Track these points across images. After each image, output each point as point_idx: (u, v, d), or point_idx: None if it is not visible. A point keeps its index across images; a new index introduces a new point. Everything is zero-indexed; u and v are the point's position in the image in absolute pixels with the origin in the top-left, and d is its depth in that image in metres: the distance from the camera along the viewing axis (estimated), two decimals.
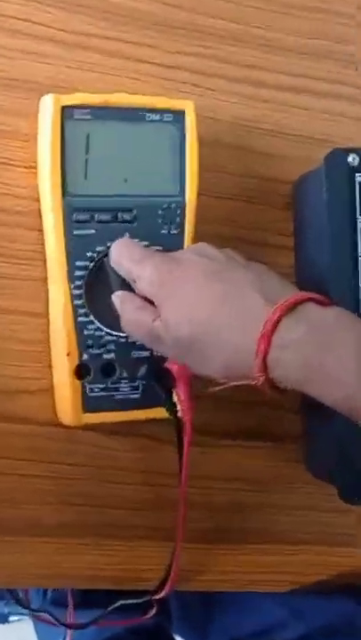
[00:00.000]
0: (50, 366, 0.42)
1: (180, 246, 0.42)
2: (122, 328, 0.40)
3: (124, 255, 0.40)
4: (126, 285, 0.40)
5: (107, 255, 0.41)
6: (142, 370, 0.42)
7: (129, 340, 0.41)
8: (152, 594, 0.42)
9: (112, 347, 0.41)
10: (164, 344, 0.38)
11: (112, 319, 0.41)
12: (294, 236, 0.48)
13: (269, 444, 0.46)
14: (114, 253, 0.40)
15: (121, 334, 0.41)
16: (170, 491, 0.41)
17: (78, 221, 0.40)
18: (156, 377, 0.41)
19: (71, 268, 0.40)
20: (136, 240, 0.41)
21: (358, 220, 0.43)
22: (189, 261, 0.38)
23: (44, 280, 0.41)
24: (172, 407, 0.41)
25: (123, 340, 0.41)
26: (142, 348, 0.41)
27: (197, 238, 0.42)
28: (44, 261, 0.41)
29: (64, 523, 0.41)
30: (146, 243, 0.41)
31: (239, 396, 0.42)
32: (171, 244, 0.42)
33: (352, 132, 0.49)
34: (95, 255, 0.40)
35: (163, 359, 0.40)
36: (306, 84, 0.49)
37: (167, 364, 0.40)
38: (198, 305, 0.36)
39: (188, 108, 0.42)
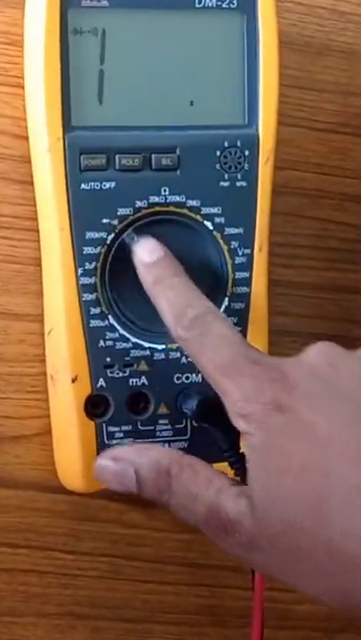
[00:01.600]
0: (47, 399, 0.27)
1: (251, 207, 0.27)
2: (169, 506, 0.23)
3: (182, 327, 0.23)
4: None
5: (135, 224, 0.26)
6: (192, 403, 0.26)
7: (171, 357, 0.26)
8: None
9: (144, 366, 0.27)
10: (250, 545, 0.21)
11: (144, 321, 0.26)
12: None
13: None
14: (163, 309, 0.24)
15: (158, 346, 0.26)
16: (236, 594, 0.25)
17: (89, 169, 0.26)
18: (213, 414, 0.26)
19: (78, 244, 0.26)
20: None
21: None
22: (318, 386, 0.21)
23: (37, 263, 0.27)
24: (238, 463, 0.25)
25: (161, 356, 0.26)
26: (191, 369, 0.26)
27: (278, 195, 0.26)
28: (37, 234, 0.27)
29: None
30: (196, 202, 0.26)
31: None
32: (235, 205, 0.27)
33: None
34: (116, 223, 0.26)
35: None
36: None
37: None
38: (343, 481, 0.19)
39: None
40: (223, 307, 0.27)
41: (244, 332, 0.28)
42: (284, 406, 0.20)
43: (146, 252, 0.25)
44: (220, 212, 0.27)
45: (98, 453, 0.26)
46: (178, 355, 0.27)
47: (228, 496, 0.21)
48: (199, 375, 0.27)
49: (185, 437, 0.27)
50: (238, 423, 0.21)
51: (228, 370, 0.21)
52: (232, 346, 0.22)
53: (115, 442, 0.26)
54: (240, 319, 0.27)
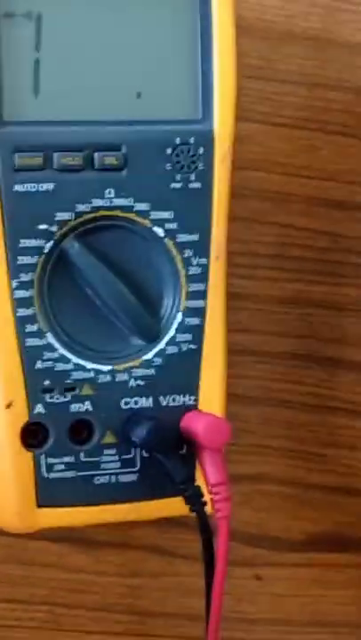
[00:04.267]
0: None
1: (206, 212, 0.25)
2: None
3: None
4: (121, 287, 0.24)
5: (76, 230, 0.23)
6: (141, 431, 0.23)
7: (117, 380, 0.23)
8: None
9: (87, 390, 0.24)
10: None
11: (88, 339, 0.24)
12: None
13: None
14: None
15: (101, 366, 0.23)
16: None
17: (23, 168, 0.23)
18: (165, 443, 0.23)
19: (12, 253, 0.23)
20: None
21: None
22: None
23: None
24: (194, 497, 0.23)
25: (107, 378, 0.23)
26: (140, 392, 0.23)
27: (237, 198, 0.23)
28: None
29: None
30: (144, 205, 0.23)
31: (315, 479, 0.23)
32: (188, 209, 0.24)
33: None
34: (55, 229, 0.23)
35: (176, 413, 0.23)
36: None
37: (185, 422, 0.23)
38: None
39: None
40: (176, 323, 0.24)
41: (198, 352, 0.25)
42: None
43: None
44: (171, 216, 0.24)
45: (37, 491, 0.23)
46: (126, 377, 0.24)
47: None
48: (150, 399, 0.24)
49: (134, 469, 0.24)
50: None
51: None
52: None
53: (54, 475, 0.23)
54: (195, 337, 0.25)
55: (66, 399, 0.23)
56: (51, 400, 0.23)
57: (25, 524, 0.23)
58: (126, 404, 0.24)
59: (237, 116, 0.24)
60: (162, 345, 0.25)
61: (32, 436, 0.23)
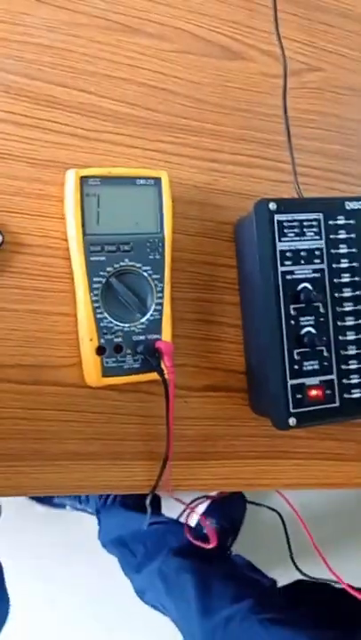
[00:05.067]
0: (79, 348, 0.59)
1: (162, 265, 0.60)
2: None
3: None
4: (131, 294, 0.58)
5: (115, 273, 0.58)
6: (140, 348, 0.59)
7: (130, 329, 0.59)
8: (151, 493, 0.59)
9: (120, 333, 0.58)
10: None
11: (119, 315, 0.58)
12: (237, 259, 0.67)
13: (228, 394, 0.64)
14: None
15: (125, 325, 0.58)
16: (161, 427, 0.59)
17: (93, 252, 0.57)
18: (150, 352, 0.59)
19: (90, 283, 0.57)
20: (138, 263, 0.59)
21: (277, 245, 0.61)
22: None
23: (73, 292, 0.59)
24: (161, 372, 0.59)
25: (127, 329, 0.58)
26: (140, 333, 0.59)
27: (173, 260, 0.60)
28: (72, 279, 0.58)
29: (91, 452, 0.59)
30: (142, 264, 0.59)
31: (206, 364, 0.60)
32: (156, 264, 0.59)
33: (267, 190, 0.69)
34: (106, 274, 0.58)
35: (154, 341, 0.58)
36: (240, 160, 0.68)
37: (157, 344, 0.58)
38: None
39: (164, 176, 0.60)
40: (152, 309, 0.60)
41: (160, 319, 0.60)
42: None
43: None
44: (149, 268, 0.60)
45: (102, 371, 0.58)
46: (134, 328, 0.59)
47: None
48: (143, 336, 0.59)
49: (138, 362, 0.58)
50: None
51: None
52: None
53: (108, 365, 0.59)
54: (159, 313, 0.60)
55: (112, 337, 0.58)
56: (106, 337, 0.59)
57: (98, 384, 0.58)
58: (134, 338, 0.60)
59: (173, 231, 0.61)
60: (147, 317, 0.59)
61: (100, 350, 0.58)
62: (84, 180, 0.57)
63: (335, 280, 0.62)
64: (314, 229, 0.62)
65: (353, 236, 0.63)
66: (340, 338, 0.62)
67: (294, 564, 0.97)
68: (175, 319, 0.61)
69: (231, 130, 0.67)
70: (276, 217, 0.60)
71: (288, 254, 0.61)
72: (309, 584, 0.97)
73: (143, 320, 0.59)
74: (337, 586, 0.77)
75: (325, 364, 0.61)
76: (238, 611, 0.91)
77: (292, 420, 0.60)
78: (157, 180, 0.60)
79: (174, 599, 1.07)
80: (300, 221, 0.62)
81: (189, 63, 0.66)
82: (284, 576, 1.11)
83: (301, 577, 0.94)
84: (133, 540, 1.24)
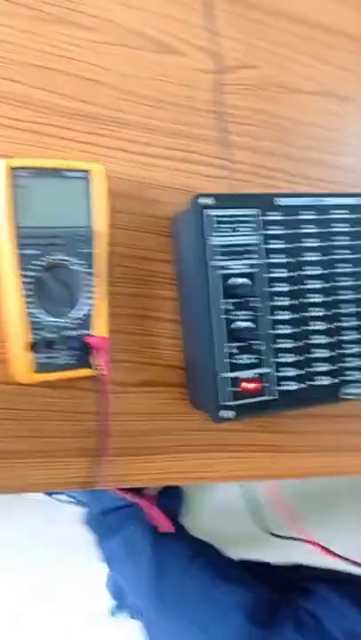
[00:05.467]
0: (6, 344, 0.57)
1: (94, 259, 0.58)
2: None
3: None
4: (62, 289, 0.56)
5: (46, 267, 0.57)
6: (73, 343, 0.57)
7: (64, 324, 0.57)
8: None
9: (52, 329, 0.56)
10: None
11: (51, 310, 0.57)
12: (174, 254, 0.66)
13: (166, 389, 0.64)
14: None
15: (58, 320, 0.57)
16: (96, 424, 0.57)
17: (24, 245, 0.55)
18: (83, 348, 0.57)
19: (21, 276, 0.55)
20: (67, 258, 0.58)
21: (213, 240, 0.61)
22: None
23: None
24: (95, 367, 0.57)
25: (60, 324, 0.57)
26: (73, 329, 0.58)
27: (110, 254, 0.59)
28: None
29: (20, 450, 0.57)
30: (73, 258, 0.57)
31: (143, 360, 0.59)
32: (88, 258, 0.58)
33: (203, 185, 0.68)
34: (37, 267, 0.56)
35: (86, 336, 0.57)
36: (176, 155, 0.68)
37: (88, 339, 0.57)
38: None
39: (95, 168, 0.57)
40: (83, 309, 0.60)
41: (91, 314, 0.59)
42: None
43: None
44: (82, 262, 0.59)
45: (34, 367, 0.57)
46: (68, 323, 0.58)
47: None
48: (76, 331, 0.58)
49: (72, 358, 0.57)
50: None
51: None
52: None
53: (40, 361, 0.57)
54: (90, 309, 0.59)
55: (44, 332, 0.57)
56: (39, 333, 0.57)
57: (30, 380, 0.56)
58: (66, 333, 0.58)
59: (109, 224, 0.61)
60: (81, 312, 0.59)
61: (32, 346, 0.57)
62: (14, 170, 0.55)
63: (271, 275, 0.63)
64: (250, 225, 0.62)
65: (288, 231, 0.64)
66: (277, 331, 0.63)
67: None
68: (112, 314, 0.60)
69: (166, 125, 0.66)
70: (213, 212, 0.60)
71: (224, 249, 0.61)
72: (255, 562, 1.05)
73: (76, 315, 0.57)
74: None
75: (262, 357, 0.62)
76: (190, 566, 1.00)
77: (228, 413, 0.60)
78: (87, 173, 0.58)
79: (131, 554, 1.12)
80: (237, 217, 0.62)
81: (124, 56, 0.65)
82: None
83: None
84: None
